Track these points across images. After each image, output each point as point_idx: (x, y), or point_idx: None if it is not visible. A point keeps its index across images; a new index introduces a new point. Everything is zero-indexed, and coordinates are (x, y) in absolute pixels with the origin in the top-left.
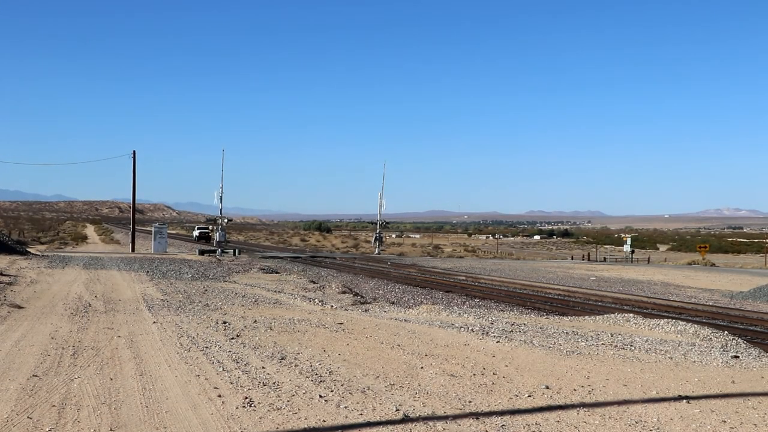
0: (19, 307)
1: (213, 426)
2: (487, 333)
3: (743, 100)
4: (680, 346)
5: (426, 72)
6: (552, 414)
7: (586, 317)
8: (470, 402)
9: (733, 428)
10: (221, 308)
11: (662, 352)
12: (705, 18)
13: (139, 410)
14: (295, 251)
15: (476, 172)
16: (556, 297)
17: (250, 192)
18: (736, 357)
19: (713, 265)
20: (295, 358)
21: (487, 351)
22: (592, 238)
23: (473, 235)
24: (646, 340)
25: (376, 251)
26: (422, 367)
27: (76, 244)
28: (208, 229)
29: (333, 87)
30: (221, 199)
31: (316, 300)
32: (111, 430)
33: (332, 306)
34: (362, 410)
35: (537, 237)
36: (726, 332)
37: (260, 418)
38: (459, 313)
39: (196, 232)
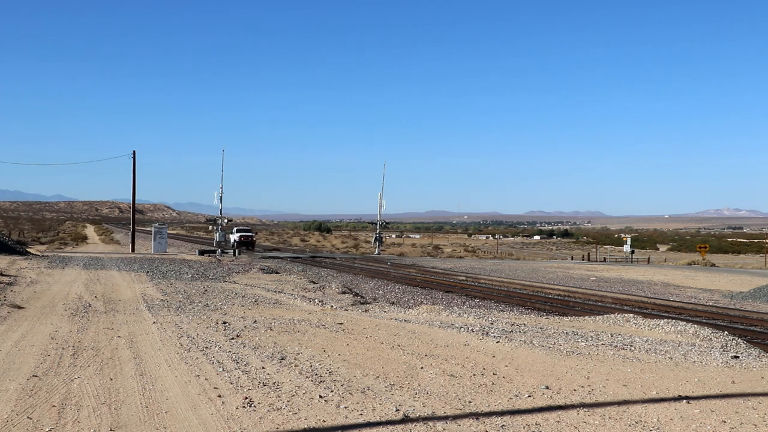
0: (19, 308)
1: (213, 426)
2: (487, 333)
3: (743, 100)
4: (680, 346)
5: (426, 72)
6: (552, 414)
7: (586, 317)
8: (470, 402)
9: (733, 428)
10: (221, 308)
11: (662, 353)
12: (705, 18)
13: (139, 410)
14: (295, 251)
15: (476, 172)
16: (556, 297)
17: (250, 192)
18: (736, 357)
19: (713, 265)
20: (295, 359)
21: (487, 351)
22: (592, 238)
23: (473, 236)
24: (646, 341)
25: (376, 251)
26: (422, 368)
27: (76, 245)
28: (251, 232)
29: (333, 87)
30: (221, 199)
31: (316, 300)
32: (111, 430)
33: (332, 306)
34: (362, 410)
35: (537, 237)
36: (726, 332)
37: (260, 418)
38: (459, 314)
39: (235, 236)
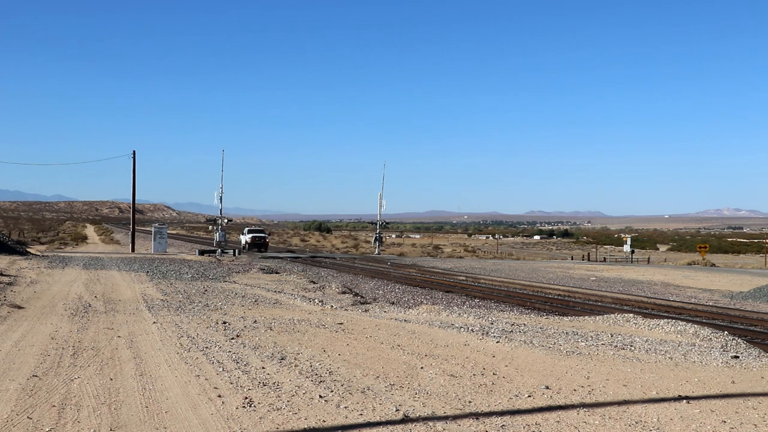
0: (19, 308)
1: (213, 426)
2: (487, 333)
3: (743, 100)
4: (680, 346)
5: (426, 72)
6: (552, 414)
7: (586, 317)
8: (470, 402)
9: (733, 428)
10: (221, 308)
11: (662, 353)
12: (704, 17)
13: (139, 410)
14: (295, 251)
15: (476, 172)
16: (556, 297)
17: (250, 192)
18: (736, 357)
19: (713, 265)
20: (295, 359)
21: (487, 351)
22: (592, 238)
23: (473, 236)
24: (646, 341)
25: (376, 251)
26: (422, 368)
27: (76, 245)
28: (264, 233)
29: (333, 87)
30: (221, 199)
31: (316, 300)
32: (111, 430)
33: (332, 306)
34: (362, 410)
35: (537, 237)
36: (726, 332)
37: (260, 418)
38: (459, 314)
39: (247, 237)
